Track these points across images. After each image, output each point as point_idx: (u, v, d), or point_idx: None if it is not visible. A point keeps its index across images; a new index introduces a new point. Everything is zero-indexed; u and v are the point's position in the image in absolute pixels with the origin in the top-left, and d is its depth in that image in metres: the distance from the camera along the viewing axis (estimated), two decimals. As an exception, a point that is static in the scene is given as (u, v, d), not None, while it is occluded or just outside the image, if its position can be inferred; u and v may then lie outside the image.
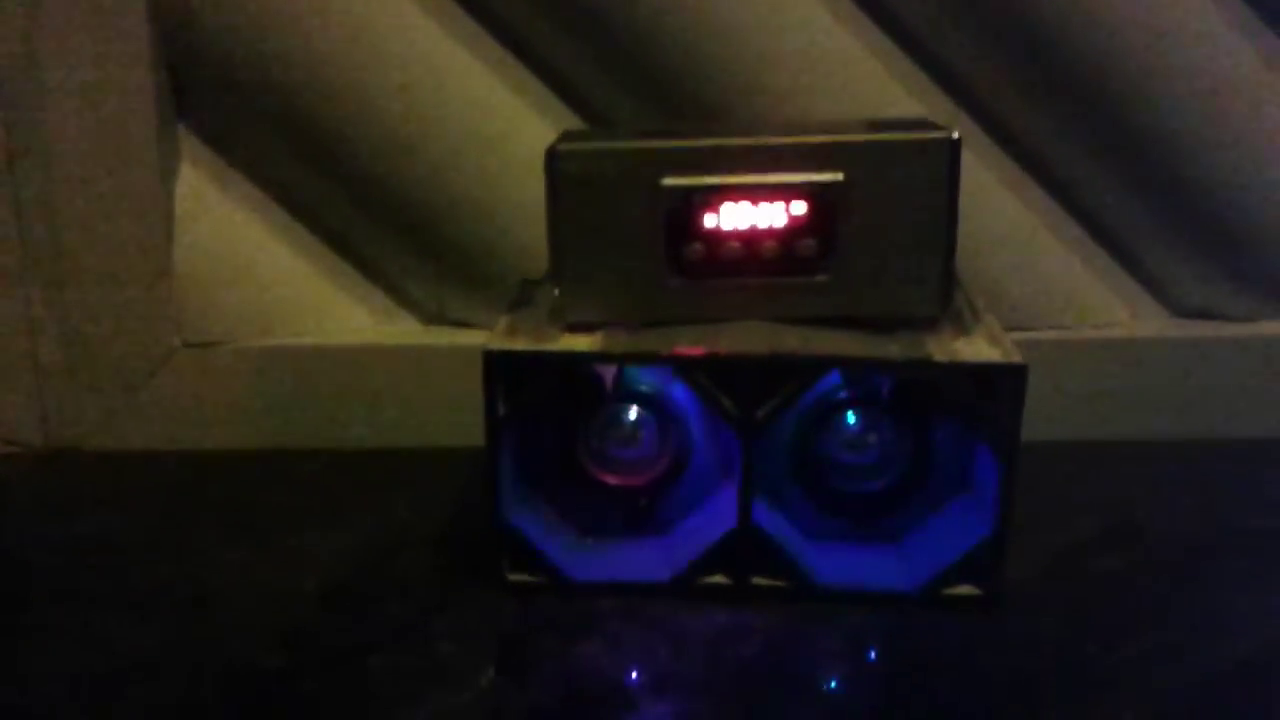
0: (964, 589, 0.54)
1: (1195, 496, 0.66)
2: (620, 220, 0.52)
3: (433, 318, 0.76)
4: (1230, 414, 0.74)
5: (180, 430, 0.73)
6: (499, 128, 0.71)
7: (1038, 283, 0.74)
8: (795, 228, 0.52)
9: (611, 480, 0.58)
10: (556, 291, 0.53)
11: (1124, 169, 0.72)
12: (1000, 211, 0.73)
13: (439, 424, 0.73)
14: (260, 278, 0.74)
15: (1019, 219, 0.73)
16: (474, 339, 0.61)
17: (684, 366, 0.52)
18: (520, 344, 0.53)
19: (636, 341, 0.52)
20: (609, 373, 0.55)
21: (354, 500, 0.66)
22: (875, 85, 0.69)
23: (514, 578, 0.55)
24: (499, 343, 0.53)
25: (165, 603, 0.55)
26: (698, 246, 0.52)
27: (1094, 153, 0.72)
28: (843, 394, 0.55)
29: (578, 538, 0.58)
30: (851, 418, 0.56)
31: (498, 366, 0.52)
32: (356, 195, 0.72)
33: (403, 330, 0.75)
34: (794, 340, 0.52)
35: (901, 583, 0.55)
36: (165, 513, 0.65)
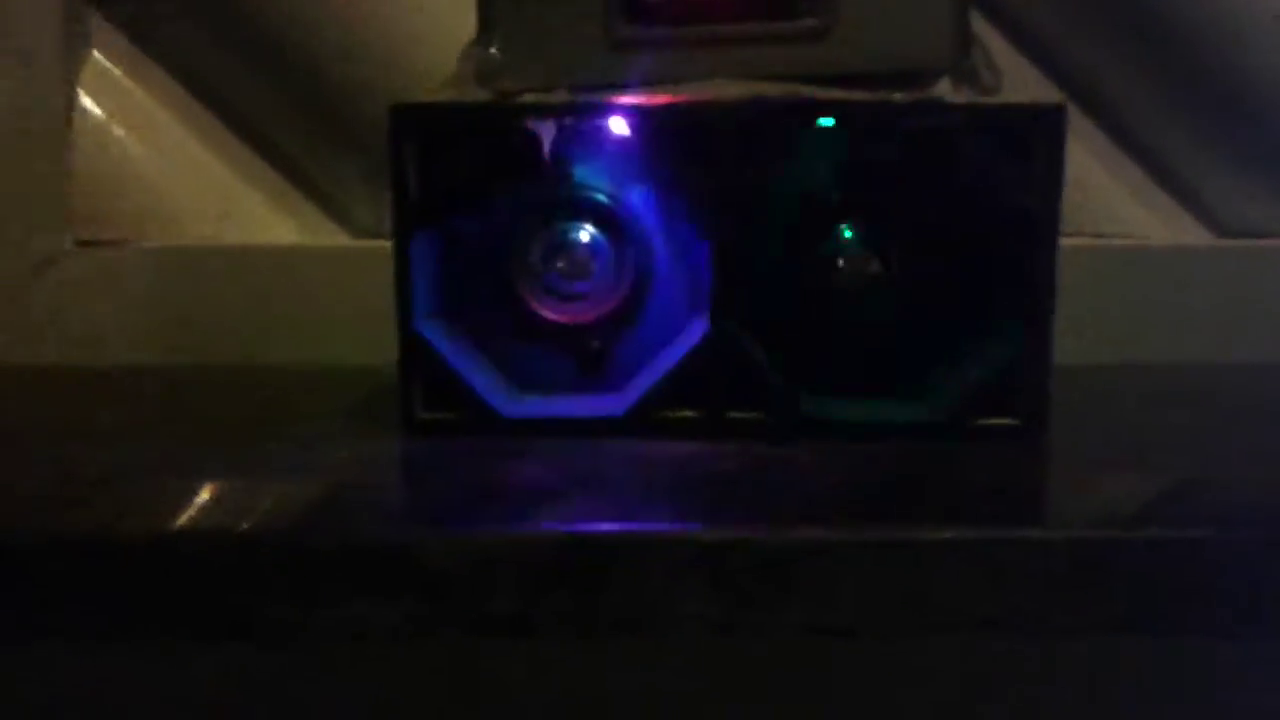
0: (998, 420, 0.43)
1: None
2: (563, -43, 0.43)
3: (367, 233, 0.66)
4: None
5: (68, 341, 0.62)
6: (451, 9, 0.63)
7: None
8: (775, -42, 0.43)
9: (556, 317, 0.47)
10: (492, 50, 0.44)
11: (1152, 67, 0.64)
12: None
13: (369, 339, 0.62)
14: (174, 179, 0.64)
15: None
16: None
17: (636, 121, 0.42)
18: (438, 97, 0.43)
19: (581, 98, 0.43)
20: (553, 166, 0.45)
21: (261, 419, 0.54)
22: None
23: (428, 415, 0.44)
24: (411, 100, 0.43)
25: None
26: (656, -16, 0.43)
27: (1114, 45, 0.64)
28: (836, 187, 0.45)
29: (512, 387, 0.46)
30: (848, 230, 0.45)
31: (408, 124, 0.42)
32: (291, 93, 0.64)
33: (330, 238, 0.65)
34: (775, 90, 0.42)
35: (918, 414, 0.43)
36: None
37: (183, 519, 0.34)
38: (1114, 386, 0.53)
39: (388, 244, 0.58)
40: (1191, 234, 0.65)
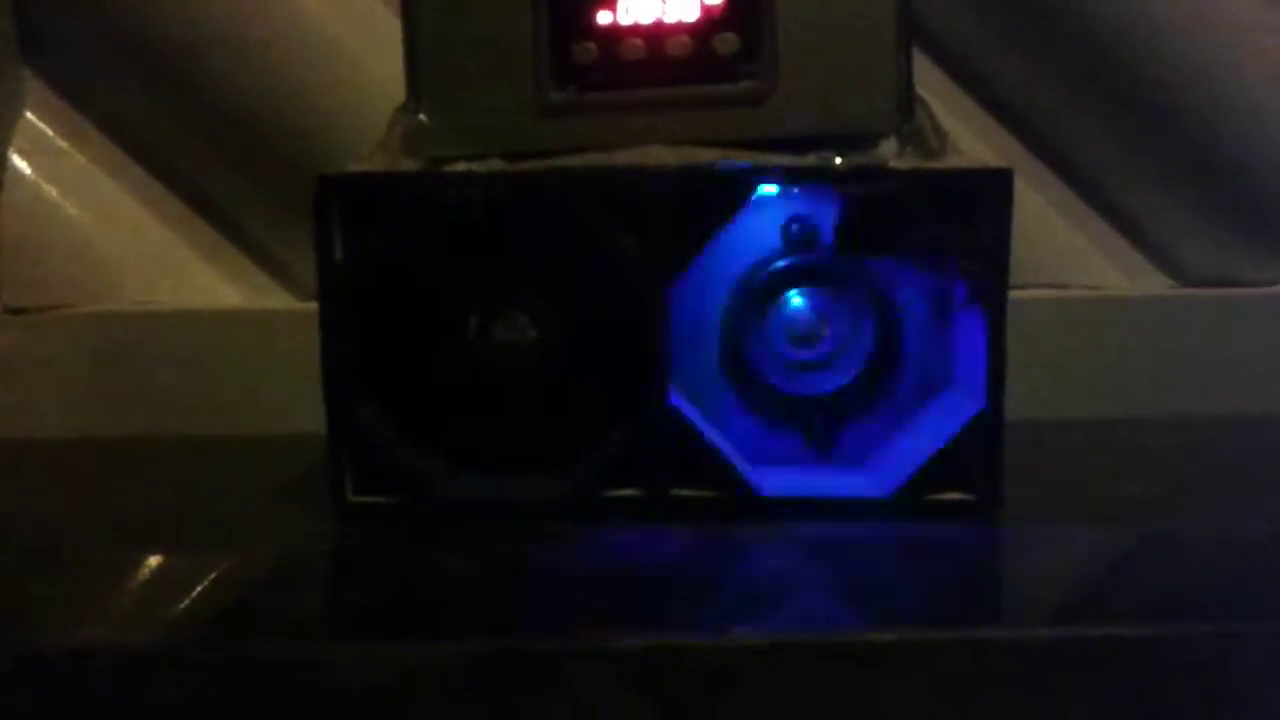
0: (950, 494, 0.41)
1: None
2: (492, 21, 0.42)
3: (309, 293, 0.64)
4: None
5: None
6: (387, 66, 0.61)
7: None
8: (711, 19, 0.41)
9: (495, 388, 0.45)
10: (421, 117, 0.42)
11: (1113, 117, 0.62)
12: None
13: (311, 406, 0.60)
14: (110, 242, 0.62)
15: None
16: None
17: (569, 188, 0.40)
18: (364, 167, 0.41)
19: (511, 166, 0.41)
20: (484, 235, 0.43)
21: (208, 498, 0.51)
22: None
23: (359, 499, 0.42)
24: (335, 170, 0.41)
25: None
26: (589, 48, 0.41)
27: (1077, 98, 0.62)
28: (780, 262, 0.43)
29: (448, 465, 0.44)
30: (796, 298, 0.44)
31: (332, 194, 0.40)
32: (229, 150, 0.62)
33: (273, 300, 0.63)
34: (711, 156, 0.41)
35: (870, 490, 0.42)
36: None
37: (68, 633, 0.32)
38: (1072, 447, 0.52)
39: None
40: (1153, 283, 0.64)
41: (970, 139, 0.61)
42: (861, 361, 0.44)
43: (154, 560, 0.41)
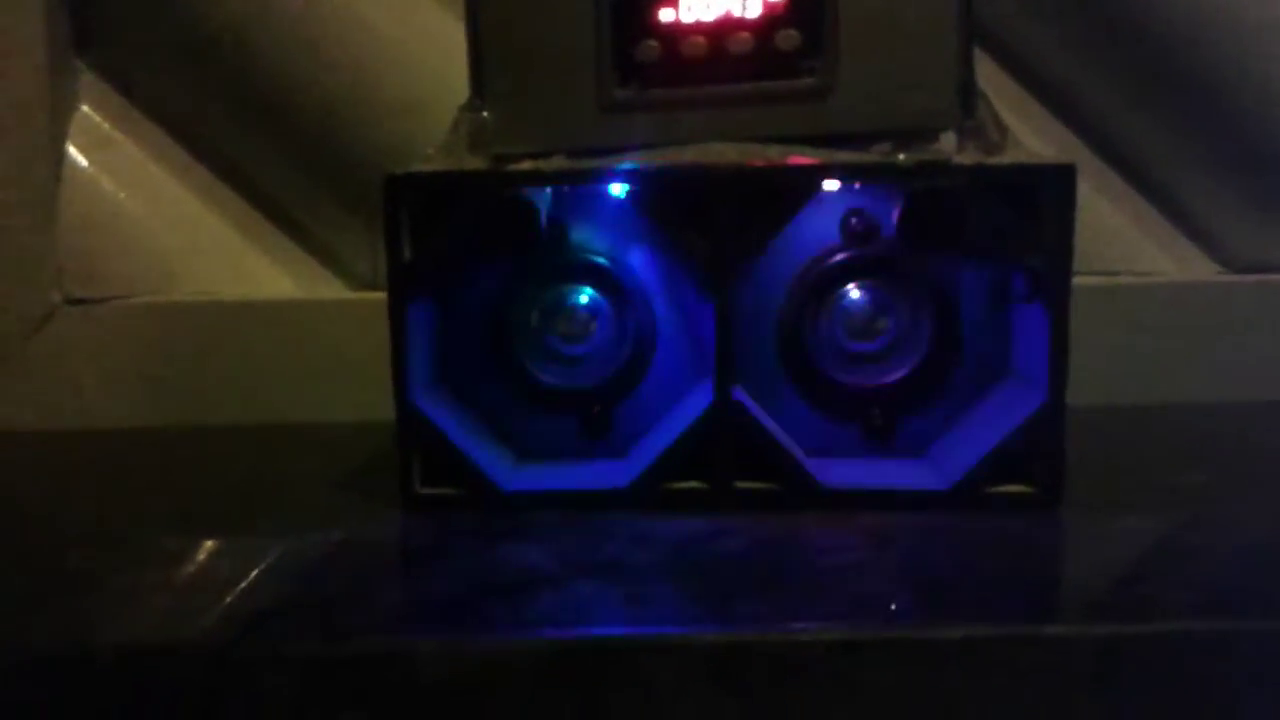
0: (1011, 487, 0.41)
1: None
2: (556, 20, 0.42)
3: (364, 283, 0.65)
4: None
5: (60, 404, 0.61)
6: (438, 61, 0.62)
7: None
8: (772, 16, 0.41)
9: (556, 382, 0.46)
10: (485, 116, 0.43)
11: (1163, 105, 0.62)
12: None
13: (366, 395, 0.61)
14: (165, 233, 0.63)
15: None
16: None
17: (635, 186, 0.41)
18: (431, 167, 0.42)
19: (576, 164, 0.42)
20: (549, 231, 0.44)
21: (260, 486, 0.51)
22: None
23: (427, 491, 0.43)
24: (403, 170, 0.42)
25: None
26: (652, 45, 0.42)
27: (1127, 88, 0.62)
28: (839, 256, 0.44)
29: (512, 457, 0.45)
30: (855, 291, 0.44)
31: (401, 193, 0.41)
32: (283, 143, 0.63)
33: (328, 290, 0.64)
34: (774, 152, 0.41)
35: (931, 482, 0.42)
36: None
37: (152, 628, 0.33)
38: (1121, 433, 0.52)
39: (385, 296, 0.57)
40: (1202, 269, 0.64)
41: (1017, 125, 0.61)
42: (920, 354, 0.44)
43: (223, 551, 0.41)
